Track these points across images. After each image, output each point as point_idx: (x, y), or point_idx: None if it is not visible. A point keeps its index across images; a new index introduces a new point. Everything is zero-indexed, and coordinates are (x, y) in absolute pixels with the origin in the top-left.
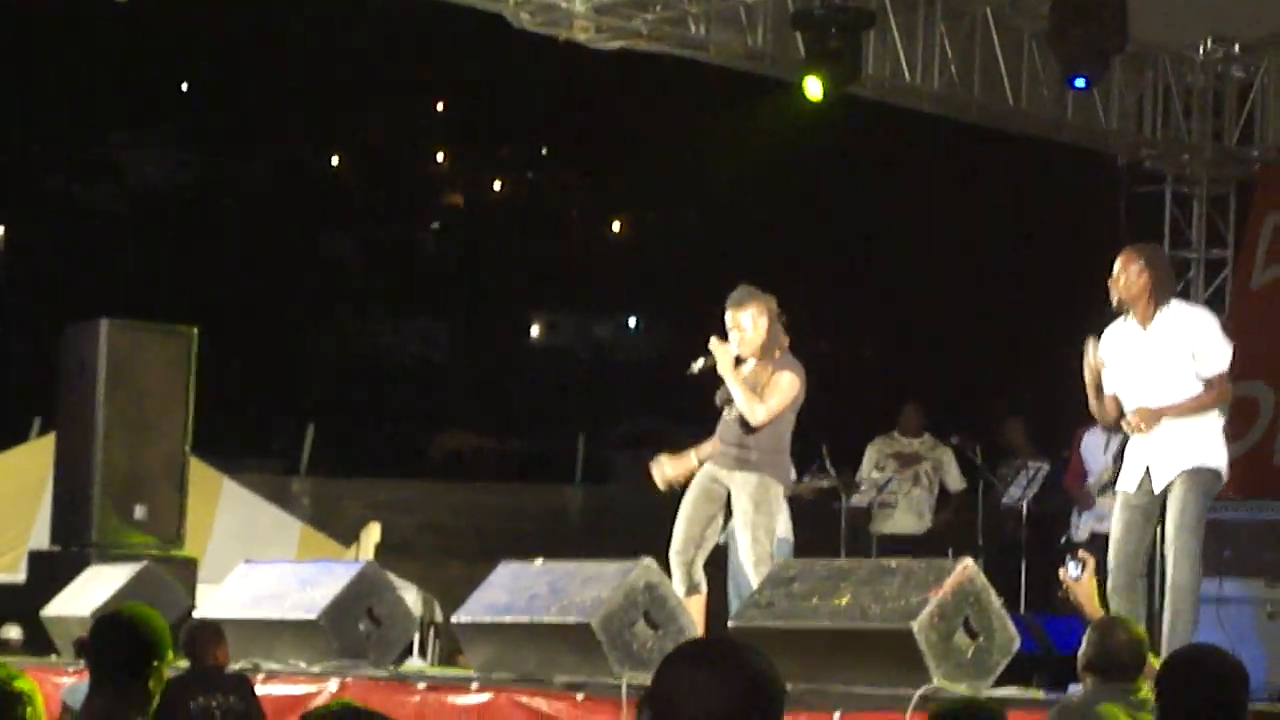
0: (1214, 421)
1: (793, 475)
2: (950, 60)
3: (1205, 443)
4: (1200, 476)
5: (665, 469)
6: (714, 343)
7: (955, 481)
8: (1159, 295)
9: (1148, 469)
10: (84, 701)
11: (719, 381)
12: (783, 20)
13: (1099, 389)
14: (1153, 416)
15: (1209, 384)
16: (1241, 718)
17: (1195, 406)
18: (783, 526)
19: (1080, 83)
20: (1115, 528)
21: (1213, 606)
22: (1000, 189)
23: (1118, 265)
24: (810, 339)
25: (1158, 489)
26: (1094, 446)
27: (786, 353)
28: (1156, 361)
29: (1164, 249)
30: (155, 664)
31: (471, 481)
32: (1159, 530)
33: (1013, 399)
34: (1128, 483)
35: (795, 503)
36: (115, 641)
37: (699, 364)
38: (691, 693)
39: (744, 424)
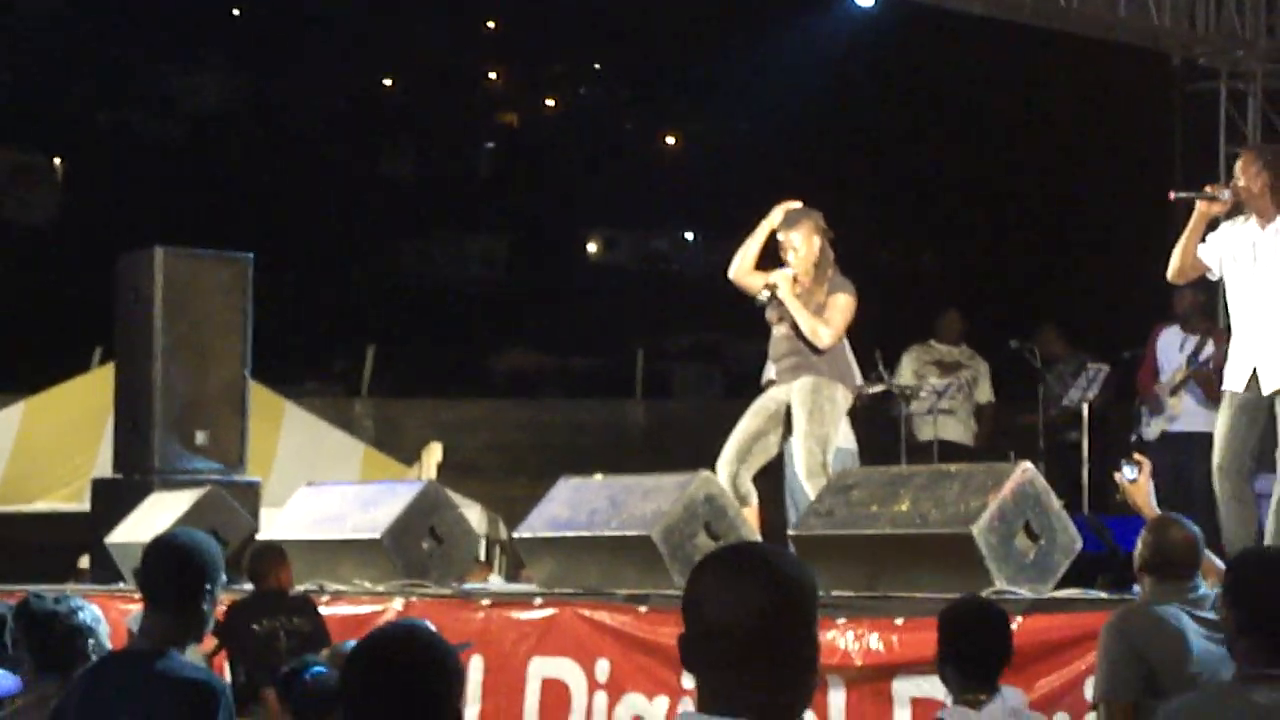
0: None
1: (858, 379)
2: None
3: None
4: None
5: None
6: (775, 272)
7: (985, 394)
8: (1274, 195)
9: (1255, 369)
10: (139, 627)
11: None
12: None
13: (1192, 241)
14: None
15: None
16: None
17: None
18: (844, 435)
19: None
20: (1219, 429)
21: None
22: (1053, 91)
23: (1239, 165)
24: (867, 247)
25: (1266, 390)
26: (1169, 345)
27: (838, 272)
28: (1273, 261)
29: (1221, 144)
30: (207, 588)
31: (532, 399)
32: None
33: (1051, 304)
34: (1234, 381)
35: (852, 410)
36: (165, 567)
37: (764, 294)
38: (718, 598)
39: (793, 340)
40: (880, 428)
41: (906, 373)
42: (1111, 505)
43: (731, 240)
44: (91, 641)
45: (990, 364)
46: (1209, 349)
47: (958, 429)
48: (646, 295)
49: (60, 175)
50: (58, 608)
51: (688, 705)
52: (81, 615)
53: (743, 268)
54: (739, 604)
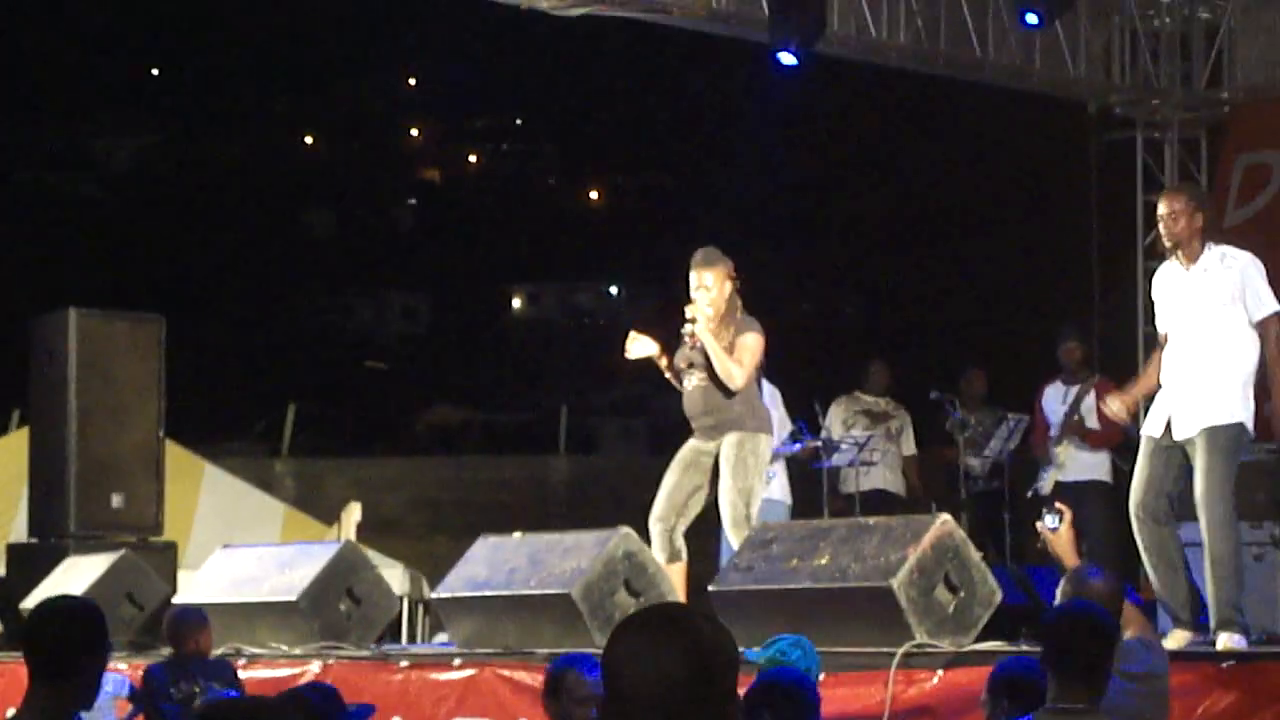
0: (1240, 372)
1: (781, 427)
2: (916, 12)
3: (1227, 395)
4: (1221, 436)
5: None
6: (693, 305)
7: (910, 446)
8: (1202, 237)
9: (1169, 417)
10: (24, 696)
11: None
12: None
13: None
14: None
15: (1262, 326)
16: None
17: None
18: (778, 488)
19: (1032, 18)
20: (1136, 474)
21: (1199, 549)
22: (970, 140)
23: (1161, 206)
24: (789, 299)
25: (1178, 437)
26: (1053, 399)
27: (745, 313)
28: (1198, 304)
29: (1139, 192)
30: (91, 656)
31: (455, 455)
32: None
33: (975, 351)
34: (1152, 427)
35: (788, 464)
36: (46, 635)
37: (688, 327)
38: (638, 662)
39: (707, 393)
40: (804, 480)
41: (835, 424)
42: (1031, 555)
43: (657, 294)
44: None
45: (910, 414)
46: (1089, 399)
47: (887, 478)
48: (570, 350)
49: None
50: None
51: None
52: None
53: None
54: (656, 674)
